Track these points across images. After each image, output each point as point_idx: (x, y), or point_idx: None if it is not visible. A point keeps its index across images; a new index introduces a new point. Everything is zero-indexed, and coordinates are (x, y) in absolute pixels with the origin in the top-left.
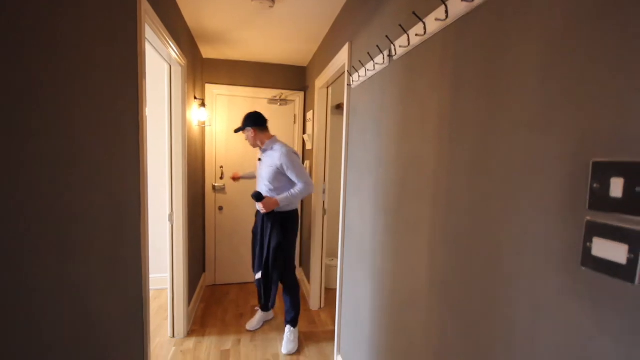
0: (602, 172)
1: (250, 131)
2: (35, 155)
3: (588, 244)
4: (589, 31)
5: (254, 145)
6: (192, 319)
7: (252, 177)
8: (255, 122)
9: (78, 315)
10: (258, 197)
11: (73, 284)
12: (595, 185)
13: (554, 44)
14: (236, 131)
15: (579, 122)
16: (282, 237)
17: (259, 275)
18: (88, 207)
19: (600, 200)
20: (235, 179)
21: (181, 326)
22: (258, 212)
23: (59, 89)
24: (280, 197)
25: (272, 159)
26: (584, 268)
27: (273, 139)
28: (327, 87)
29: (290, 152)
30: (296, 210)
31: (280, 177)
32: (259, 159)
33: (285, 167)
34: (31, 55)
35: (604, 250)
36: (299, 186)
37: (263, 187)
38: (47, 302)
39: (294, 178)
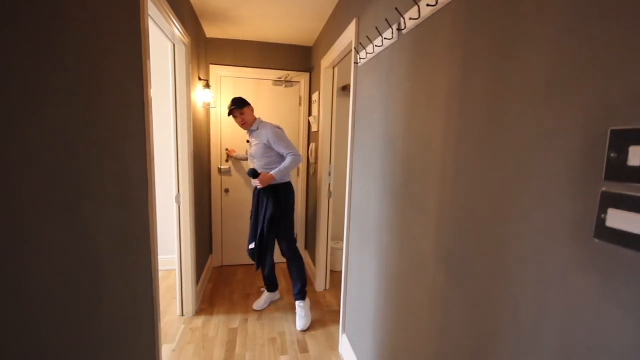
0: (621, 140)
1: (245, 113)
2: (42, 137)
3: (602, 215)
4: None
5: (245, 127)
6: (200, 298)
7: (244, 158)
8: (245, 103)
9: (91, 292)
10: (254, 173)
11: (85, 260)
12: (612, 154)
13: (570, 9)
14: (229, 113)
15: (597, 89)
16: (275, 207)
17: (252, 245)
18: (97, 186)
19: (617, 169)
20: (230, 154)
21: (190, 305)
22: (254, 190)
23: (62, 69)
24: (274, 172)
25: (260, 137)
26: (596, 240)
27: (259, 119)
28: (333, 67)
29: (274, 127)
30: (289, 183)
31: (269, 152)
32: (248, 141)
33: (272, 142)
34: (30, 37)
35: (619, 221)
36: (288, 158)
37: (256, 165)
38: (61, 277)
39: (282, 150)
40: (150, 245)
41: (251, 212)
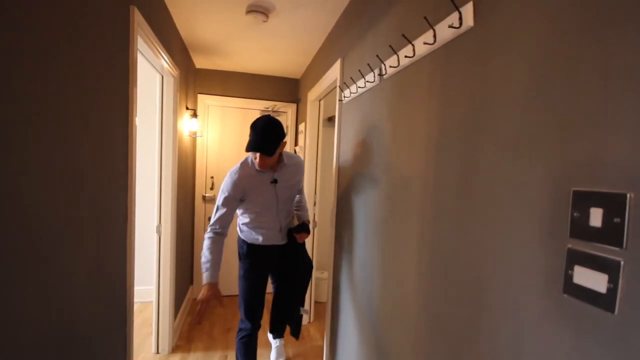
0: (582, 201)
1: (280, 146)
2: (22, 162)
3: (570, 271)
4: (570, 60)
5: (272, 167)
6: (177, 333)
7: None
8: (282, 135)
9: (55, 328)
10: (306, 227)
11: (53, 293)
12: (575, 214)
13: (535, 72)
14: (271, 153)
15: (560, 150)
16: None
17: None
18: (72, 216)
19: (580, 228)
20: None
21: (166, 341)
22: (269, 249)
23: (47, 97)
24: (304, 214)
25: (293, 173)
26: (566, 295)
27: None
28: (319, 100)
29: (300, 157)
30: None
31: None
32: (274, 181)
33: (302, 179)
34: (20, 62)
35: (585, 279)
36: (303, 195)
37: (283, 214)
38: (28, 311)
39: (300, 186)
40: (127, 279)
41: (254, 276)
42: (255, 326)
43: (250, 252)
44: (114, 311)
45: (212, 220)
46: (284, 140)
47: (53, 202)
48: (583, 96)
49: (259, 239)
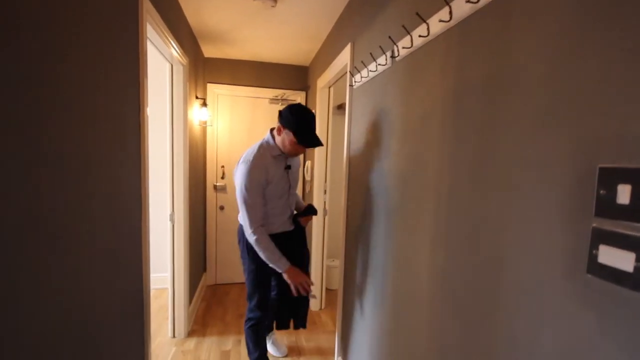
0: (609, 178)
1: None
2: (38, 154)
3: (594, 251)
4: (596, 35)
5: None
6: (192, 318)
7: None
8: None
9: (78, 315)
10: (314, 209)
11: (72, 282)
12: (601, 192)
13: (560, 47)
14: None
15: (585, 126)
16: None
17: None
18: (88, 205)
19: (606, 206)
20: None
21: (182, 326)
22: (278, 236)
23: (60, 89)
24: (301, 202)
25: (297, 159)
26: (589, 275)
27: None
28: (329, 87)
29: None
30: None
31: None
32: (288, 166)
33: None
34: (32, 54)
35: (611, 258)
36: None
37: (293, 199)
38: (47, 299)
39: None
40: (143, 266)
41: (266, 267)
42: (266, 314)
43: None
44: (131, 297)
45: (249, 220)
46: None
47: (69, 192)
48: (610, 69)
49: (273, 226)
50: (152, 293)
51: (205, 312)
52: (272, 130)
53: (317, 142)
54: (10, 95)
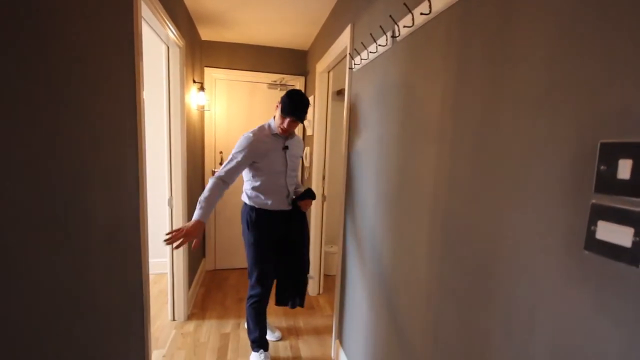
0: (610, 153)
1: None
2: (31, 139)
3: (592, 227)
4: (601, 6)
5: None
6: (192, 302)
7: (293, 186)
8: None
9: (80, 298)
10: (312, 193)
11: (71, 267)
12: (602, 167)
13: (562, 24)
14: (300, 119)
15: (586, 103)
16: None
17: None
18: (85, 191)
19: (606, 182)
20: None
21: (181, 310)
22: (276, 215)
23: (51, 73)
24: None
25: (298, 146)
26: (587, 252)
27: None
28: (328, 72)
29: None
30: None
31: None
32: (286, 147)
33: (302, 155)
34: (22, 37)
35: (609, 234)
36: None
37: (291, 181)
38: (49, 283)
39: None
40: (141, 250)
41: (264, 242)
42: (267, 291)
43: (258, 218)
44: (130, 280)
45: (220, 169)
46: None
47: (65, 179)
48: (613, 44)
49: (268, 202)
50: (152, 278)
51: (204, 296)
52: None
53: (292, 112)
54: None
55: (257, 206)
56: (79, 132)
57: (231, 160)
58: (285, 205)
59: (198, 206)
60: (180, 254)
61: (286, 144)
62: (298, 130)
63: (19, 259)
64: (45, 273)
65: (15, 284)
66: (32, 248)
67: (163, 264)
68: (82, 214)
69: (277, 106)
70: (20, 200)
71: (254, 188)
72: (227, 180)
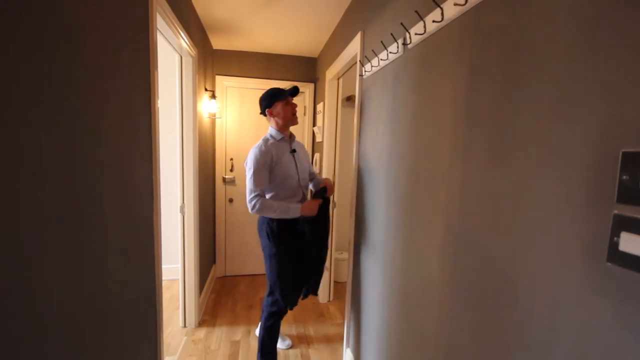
0: (633, 162)
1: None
2: (51, 146)
3: (615, 238)
4: (620, 15)
5: (296, 121)
6: (203, 309)
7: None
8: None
9: (95, 302)
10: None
11: (89, 270)
12: (624, 177)
13: (582, 28)
14: (294, 94)
15: (607, 110)
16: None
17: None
18: (101, 197)
19: (629, 192)
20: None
21: (192, 316)
22: (299, 222)
23: (71, 83)
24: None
25: (303, 149)
26: (609, 264)
27: None
28: (338, 79)
29: None
30: None
31: None
32: (293, 150)
33: (309, 158)
34: (42, 48)
35: (633, 246)
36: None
37: (304, 184)
38: (65, 286)
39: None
40: (155, 256)
41: (288, 253)
42: (291, 307)
43: (280, 227)
44: (143, 287)
45: (250, 189)
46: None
47: (81, 185)
48: (634, 49)
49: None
50: (164, 284)
51: (215, 303)
52: (270, 127)
53: (286, 90)
54: (17, 92)
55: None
56: (97, 140)
57: (253, 174)
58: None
59: (284, 209)
60: (192, 260)
61: (293, 147)
62: (308, 137)
63: (36, 262)
64: (60, 277)
65: (33, 287)
66: (51, 252)
67: (174, 270)
68: (96, 221)
69: (268, 112)
70: (42, 201)
71: (271, 197)
72: (263, 193)
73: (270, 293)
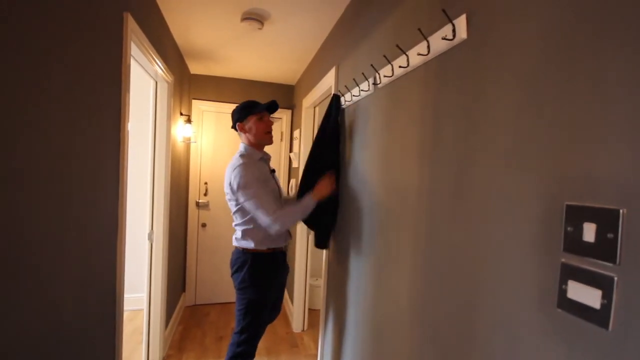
0: (576, 215)
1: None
2: (12, 170)
3: (563, 286)
4: (562, 74)
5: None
6: (168, 342)
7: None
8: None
9: (40, 337)
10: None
11: (37, 300)
12: (569, 229)
13: (528, 84)
14: (273, 110)
15: (553, 163)
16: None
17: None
18: (60, 222)
19: (574, 243)
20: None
21: (157, 351)
22: (278, 255)
23: (36, 103)
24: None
25: (275, 169)
26: (560, 310)
27: None
28: (314, 107)
29: None
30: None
31: None
32: (273, 171)
33: None
34: (17, 66)
35: (579, 294)
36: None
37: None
38: (10, 319)
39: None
40: (116, 288)
41: (266, 299)
42: (255, 349)
43: (266, 265)
44: (103, 320)
45: (265, 209)
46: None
47: (39, 207)
48: (575, 111)
49: (279, 238)
50: (127, 314)
51: (182, 335)
52: (242, 143)
53: (263, 105)
54: None
55: (265, 249)
56: (59, 161)
57: (256, 192)
58: (284, 238)
59: (305, 208)
60: (159, 290)
61: (272, 168)
62: (284, 162)
63: None
64: (11, 306)
65: None
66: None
67: (139, 300)
68: (53, 247)
69: (239, 126)
70: None
71: (257, 228)
72: (277, 207)
73: (240, 332)
